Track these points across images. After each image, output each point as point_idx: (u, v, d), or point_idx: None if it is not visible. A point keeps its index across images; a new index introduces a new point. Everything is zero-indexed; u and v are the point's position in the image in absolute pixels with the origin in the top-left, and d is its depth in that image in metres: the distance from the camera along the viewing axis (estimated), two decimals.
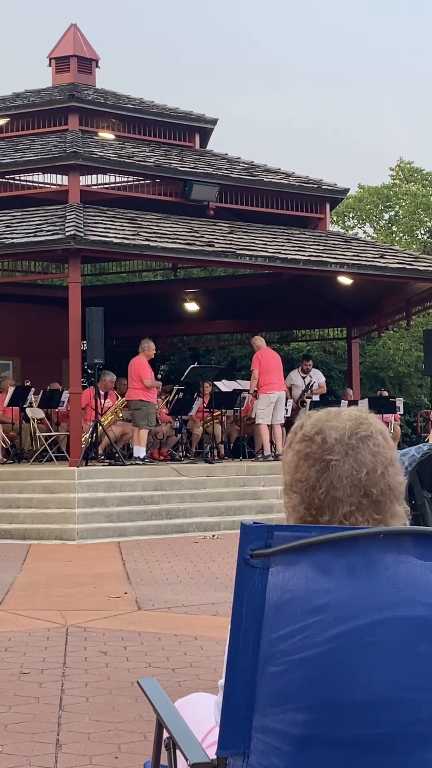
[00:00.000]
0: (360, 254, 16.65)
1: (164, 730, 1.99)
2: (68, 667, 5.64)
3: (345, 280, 17.08)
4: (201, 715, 2.16)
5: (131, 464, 13.97)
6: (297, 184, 17.88)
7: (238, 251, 15.05)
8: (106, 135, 18.34)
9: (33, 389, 15.90)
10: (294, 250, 15.88)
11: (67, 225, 14.12)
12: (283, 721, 1.61)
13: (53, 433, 15.71)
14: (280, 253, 15.51)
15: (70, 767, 3.97)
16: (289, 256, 15.45)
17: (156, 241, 14.56)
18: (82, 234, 13.68)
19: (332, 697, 1.61)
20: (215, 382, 17.19)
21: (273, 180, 17.65)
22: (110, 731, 4.44)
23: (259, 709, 1.63)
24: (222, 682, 1.70)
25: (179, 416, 16.58)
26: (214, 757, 1.67)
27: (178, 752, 1.87)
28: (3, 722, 4.58)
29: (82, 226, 14.16)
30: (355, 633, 1.61)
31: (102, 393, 15.15)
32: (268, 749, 1.62)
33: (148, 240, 14.50)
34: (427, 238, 34.55)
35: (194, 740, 1.85)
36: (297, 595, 1.62)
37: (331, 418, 1.84)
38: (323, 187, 18.16)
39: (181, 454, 15.98)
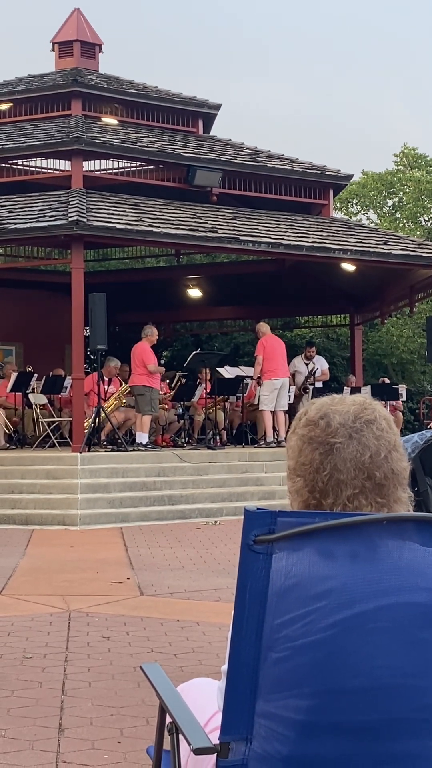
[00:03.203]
0: (363, 241, 16.62)
1: (167, 715, 1.99)
2: (71, 652, 5.66)
3: (348, 267, 17.05)
4: (204, 700, 2.17)
5: (134, 450, 13.98)
6: (300, 170, 17.83)
7: (241, 237, 15.02)
8: (110, 120, 18.28)
9: (36, 375, 15.90)
10: (297, 237, 15.85)
11: (70, 210, 14.10)
12: (286, 707, 1.62)
13: (56, 419, 15.71)
14: (283, 239, 15.47)
15: (72, 751, 3.98)
16: (293, 243, 15.42)
17: (159, 226, 14.53)
18: (85, 219, 13.66)
19: (335, 683, 1.61)
20: (218, 369, 17.19)
21: (276, 166, 17.61)
22: (113, 716, 4.46)
23: (262, 694, 1.63)
24: (225, 667, 1.71)
25: (182, 402, 16.58)
26: (217, 742, 1.67)
27: (180, 737, 1.87)
28: (6, 707, 4.59)
29: (85, 211, 14.14)
30: (358, 619, 1.61)
31: (106, 379, 15.16)
32: (271, 735, 1.62)
33: (151, 226, 14.47)
34: (431, 224, 34.48)
35: (197, 725, 1.85)
36: (300, 580, 1.62)
37: (335, 403, 1.85)
38: (327, 173, 18.11)
39: (183, 440, 15.99)
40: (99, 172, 17.15)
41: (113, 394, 15.39)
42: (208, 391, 16.22)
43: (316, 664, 1.60)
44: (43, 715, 4.46)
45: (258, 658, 1.63)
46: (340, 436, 1.79)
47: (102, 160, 16.80)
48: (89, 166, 16.68)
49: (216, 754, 1.68)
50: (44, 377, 15.99)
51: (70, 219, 13.62)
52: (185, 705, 1.97)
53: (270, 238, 15.39)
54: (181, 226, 14.87)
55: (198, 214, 15.90)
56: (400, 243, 17.09)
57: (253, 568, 1.64)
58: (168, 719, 1.98)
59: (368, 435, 1.80)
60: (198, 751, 1.73)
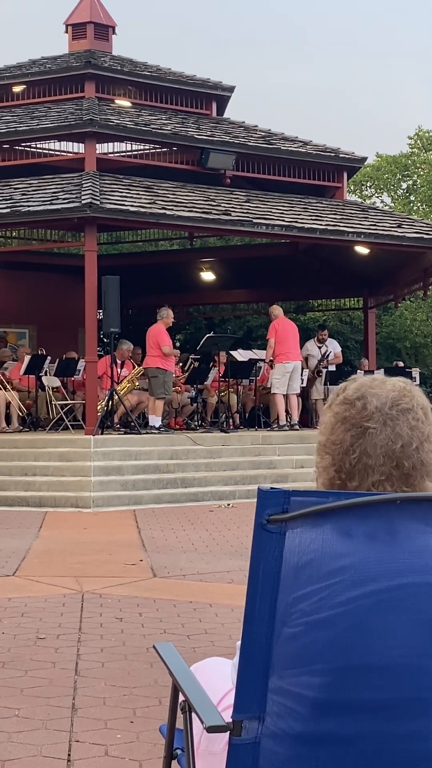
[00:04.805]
0: (377, 224, 16.55)
1: (180, 694, 2.00)
2: (84, 632, 5.68)
3: (362, 250, 17.00)
4: (217, 679, 2.17)
5: (147, 433, 14.00)
6: (314, 152, 17.76)
7: (254, 220, 14.98)
8: (123, 102, 18.24)
9: (49, 358, 15.93)
10: (311, 220, 15.80)
11: (83, 193, 14.08)
12: (299, 684, 1.62)
13: (69, 402, 15.74)
14: (296, 222, 15.43)
15: (85, 731, 4.00)
16: (306, 226, 15.37)
17: (172, 209, 14.50)
18: (98, 202, 13.64)
19: (348, 660, 1.61)
20: (231, 352, 17.19)
21: (290, 148, 17.54)
22: (125, 696, 4.48)
23: (276, 670, 1.63)
24: (240, 643, 1.71)
25: (195, 385, 16.59)
26: (230, 720, 1.68)
27: (193, 715, 1.88)
28: (19, 686, 4.62)
29: (98, 194, 14.12)
30: (372, 597, 1.61)
31: (118, 362, 15.17)
32: (284, 711, 1.63)
33: (165, 208, 14.45)
34: None
35: (210, 703, 1.85)
36: (315, 557, 1.62)
37: (375, 386, 1.83)
38: (341, 155, 18.03)
39: (196, 423, 16.00)
40: (112, 155, 17.12)
41: (126, 376, 15.41)
42: (221, 374, 16.22)
43: (330, 640, 1.60)
44: (56, 695, 4.49)
45: (271, 635, 1.63)
46: (375, 421, 1.78)
47: (115, 143, 16.79)
48: (102, 148, 16.66)
49: (229, 732, 1.68)
50: (57, 360, 16.03)
51: (83, 201, 13.61)
52: (198, 683, 1.98)
53: (283, 220, 15.35)
54: (194, 209, 14.83)
55: (211, 197, 15.85)
56: (414, 226, 17.01)
57: (267, 546, 1.64)
58: (181, 698, 1.99)
59: (402, 424, 1.77)
60: (211, 729, 1.73)
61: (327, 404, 1.88)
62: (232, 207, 15.48)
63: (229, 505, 12.38)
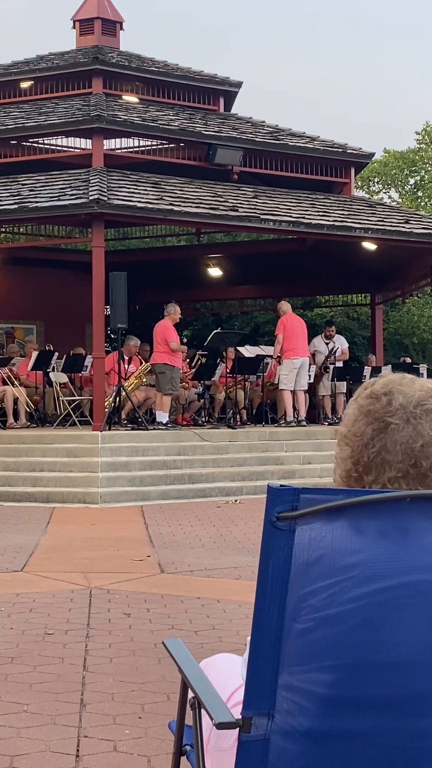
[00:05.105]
0: (385, 219, 16.52)
1: (189, 690, 2.00)
2: (92, 628, 5.69)
3: (369, 246, 16.97)
4: (226, 675, 2.18)
5: (154, 429, 14.01)
6: (322, 148, 17.74)
7: (261, 216, 14.97)
8: (130, 98, 18.24)
9: (56, 354, 15.95)
10: (318, 215, 15.78)
11: (90, 189, 14.09)
12: (309, 680, 1.62)
13: (76, 398, 15.75)
14: (304, 218, 15.41)
15: (94, 726, 4.01)
16: (314, 221, 15.36)
17: (180, 205, 14.50)
18: (105, 198, 13.64)
19: (357, 657, 1.61)
20: (238, 348, 17.18)
21: (298, 144, 17.52)
22: (134, 691, 4.49)
23: (285, 666, 1.63)
24: (250, 639, 1.71)
25: (202, 381, 16.59)
26: (239, 716, 1.68)
27: (203, 712, 1.88)
28: (28, 682, 4.63)
29: (105, 190, 14.12)
30: (382, 594, 1.61)
31: (126, 358, 15.17)
32: (294, 708, 1.63)
33: (172, 204, 14.45)
34: None
35: (219, 700, 1.86)
36: (324, 554, 1.62)
37: (403, 384, 1.83)
38: (348, 151, 18.01)
39: (203, 419, 16.00)
40: (120, 151, 17.12)
41: (133, 373, 15.42)
42: (228, 370, 16.21)
43: (339, 637, 1.61)
44: (64, 690, 4.50)
45: (281, 632, 1.63)
46: (398, 417, 1.78)
47: (123, 139, 16.78)
48: (110, 144, 16.66)
49: (238, 728, 1.69)
50: (65, 356, 16.04)
51: (90, 197, 13.61)
52: (207, 680, 1.98)
53: (291, 216, 15.33)
54: (201, 205, 14.83)
55: (219, 193, 15.85)
56: (422, 222, 16.98)
57: (276, 543, 1.64)
58: (190, 694, 1.99)
59: (425, 424, 1.78)
60: (220, 726, 1.74)
61: (353, 397, 1.89)
62: (240, 203, 15.47)
63: (236, 500, 12.39)
